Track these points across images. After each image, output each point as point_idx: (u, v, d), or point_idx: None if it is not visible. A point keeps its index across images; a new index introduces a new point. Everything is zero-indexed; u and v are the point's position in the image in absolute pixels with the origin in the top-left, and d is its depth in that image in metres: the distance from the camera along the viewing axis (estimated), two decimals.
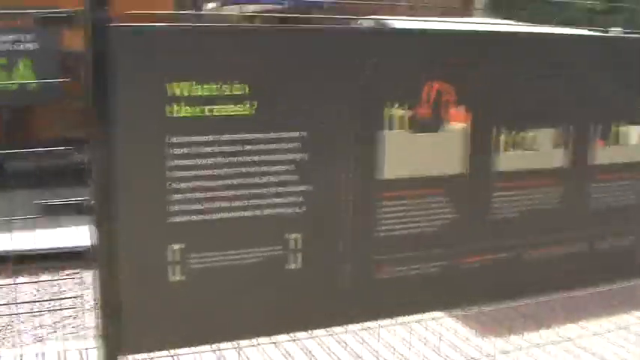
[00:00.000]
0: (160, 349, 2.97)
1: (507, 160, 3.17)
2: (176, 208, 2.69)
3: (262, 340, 3.76)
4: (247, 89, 2.68)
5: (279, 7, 11.34)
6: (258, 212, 2.80)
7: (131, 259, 2.68)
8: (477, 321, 4.80)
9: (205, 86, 2.63)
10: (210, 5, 11.89)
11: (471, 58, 3.05)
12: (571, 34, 3.45)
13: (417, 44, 2.99)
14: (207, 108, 2.65)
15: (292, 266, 2.90)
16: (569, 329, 5.15)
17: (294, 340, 4.06)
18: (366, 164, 2.93)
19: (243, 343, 3.64)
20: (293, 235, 2.88)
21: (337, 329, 4.16)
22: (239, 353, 3.74)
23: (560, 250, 3.39)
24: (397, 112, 2.93)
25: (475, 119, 3.06)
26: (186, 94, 2.62)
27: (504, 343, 4.80)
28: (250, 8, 11.62)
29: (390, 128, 2.93)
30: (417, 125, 2.97)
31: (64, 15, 2.59)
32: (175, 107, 2.61)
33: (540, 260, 3.35)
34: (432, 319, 4.51)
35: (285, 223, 2.85)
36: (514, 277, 3.34)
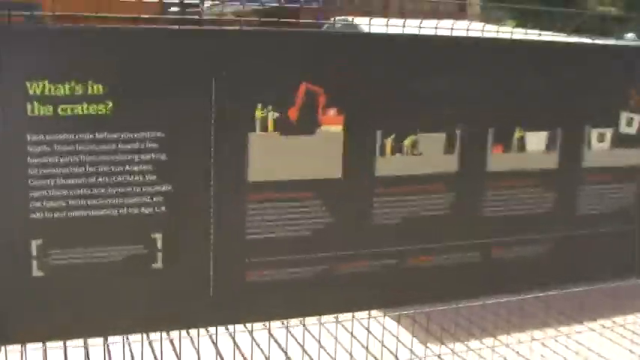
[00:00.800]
0: (27, 342, 3.05)
1: (388, 165, 3.15)
2: (37, 204, 2.75)
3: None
4: (102, 89, 2.73)
5: (273, 5, 11.34)
6: (118, 211, 2.84)
7: None
8: (415, 324, 4.77)
9: (60, 85, 2.69)
10: (207, 4, 11.95)
11: (344, 61, 3.03)
12: (460, 37, 3.37)
13: (287, 46, 2.99)
14: (63, 107, 2.70)
15: (158, 265, 2.94)
16: (513, 336, 5.09)
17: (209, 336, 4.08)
18: (232, 166, 2.94)
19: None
20: (157, 235, 2.91)
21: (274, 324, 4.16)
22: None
23: (449, 259, 3.34)
24: (265, 114, 2.94)
25: (350, 123, 3.04)
26: (44, 92, 2.68)
27: (439, 347, 4.79)
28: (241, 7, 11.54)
29: (258, 130, 2.94)
30: (288, 128, 2.97)
31: None
32: (36, 105, 2.68)
33: (427, 268, 3.31)
34: (367, 317, 4.52)
35: (148, 223, 2.88)
36: (398, 285, 3.30)
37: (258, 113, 2.93)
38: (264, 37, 2.98)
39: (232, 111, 2.90)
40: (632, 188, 3.62)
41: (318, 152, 3.04)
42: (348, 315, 4.17)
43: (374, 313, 4.99)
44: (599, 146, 3.52)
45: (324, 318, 4.03)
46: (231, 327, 3.67)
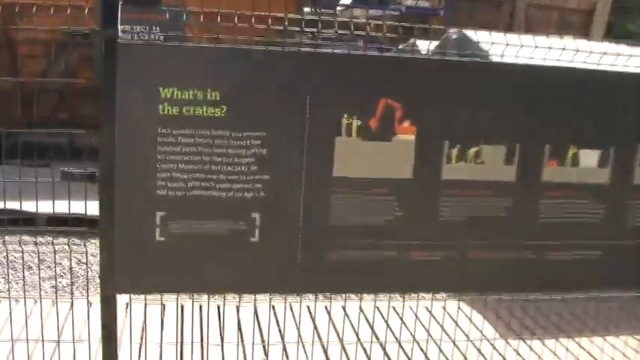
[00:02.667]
0: (146, 293, 3.81)
1: (453, 171, 3.69)
2: (163, 183, 3.48)
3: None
4: (218, 96, 3.42)
5: (395, 14, 11.86)
6: (226, 193, 3.53)
7: (127, 220, 3.51)
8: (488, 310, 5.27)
9: (185, 92, 3.39)
10: (340, 8, 12.47)
11: (421, 81, 3.61)
12: (526, 64, 3.83)
13: (372, 65, 3.59)
14: (188, 108, 3.41)
15: (254, 239, 3.61)
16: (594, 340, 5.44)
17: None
18: (320, 163, 3.57)
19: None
20: (255, 214, 3.58)
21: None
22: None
23: (505, 255, 3.85)
24: (351, 121, 3.55)
25: (421, 133, 3.61)
26: (172, 96, 3.39)
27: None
28: (370, 13, 11.97)
29: (343, 135, 3.56)
30: (368, 134, 3.57)
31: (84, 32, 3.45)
32: (166, 106, 3.40)
33: (486, 261, 3.83)
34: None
35: (249, 204, 3.56)
36: (459, 274, 3.84)
37: (344, 121, 3.54)
38: (350, 60, 3.59)
39: (322, 118, 3.52)
40: None
41: (392, 156, 3.63)
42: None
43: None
44: None
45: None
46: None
